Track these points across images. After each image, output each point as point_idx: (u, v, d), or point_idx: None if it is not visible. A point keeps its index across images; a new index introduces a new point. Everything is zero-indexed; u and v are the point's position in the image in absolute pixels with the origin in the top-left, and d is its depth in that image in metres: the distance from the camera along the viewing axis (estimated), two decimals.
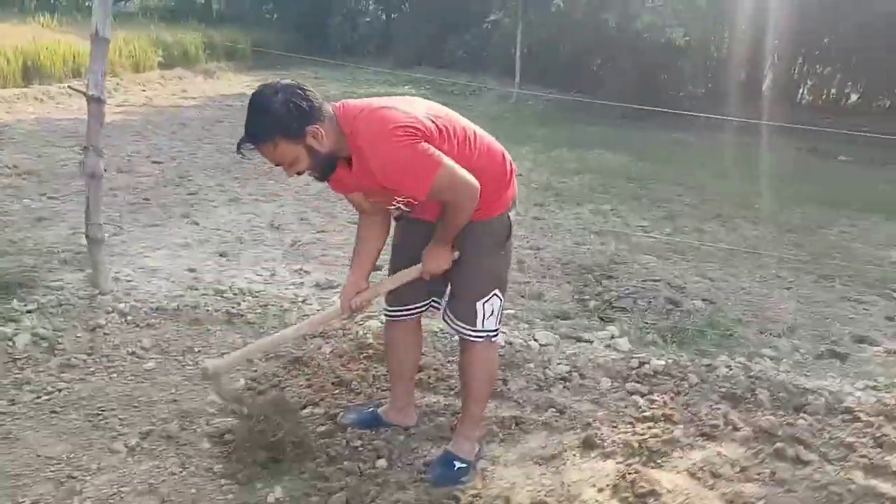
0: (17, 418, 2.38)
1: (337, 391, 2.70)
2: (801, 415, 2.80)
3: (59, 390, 2.57)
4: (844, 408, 2.87)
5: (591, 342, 3.32)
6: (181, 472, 2.19)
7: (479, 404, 2.35)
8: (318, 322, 2.40)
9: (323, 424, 2.46)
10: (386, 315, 2.40)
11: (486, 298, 2.17)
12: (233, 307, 3.31)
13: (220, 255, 4.15)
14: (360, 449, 2.32)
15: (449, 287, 2.25)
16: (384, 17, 23.15)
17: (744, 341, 3.54)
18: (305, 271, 4.01)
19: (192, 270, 3.82)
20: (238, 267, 3.98)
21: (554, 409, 2.70)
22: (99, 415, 2.44)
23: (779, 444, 2.56)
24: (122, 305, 3.21)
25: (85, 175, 3.19)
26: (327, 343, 3.11)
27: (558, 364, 3.02)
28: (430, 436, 2.46)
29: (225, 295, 3.46)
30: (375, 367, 2.89)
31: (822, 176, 8.73)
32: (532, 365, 3.01)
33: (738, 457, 2.48)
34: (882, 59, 15.10)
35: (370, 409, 2.52)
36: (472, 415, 2.33)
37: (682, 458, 2.47)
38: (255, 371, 2.82)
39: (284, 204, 5.38)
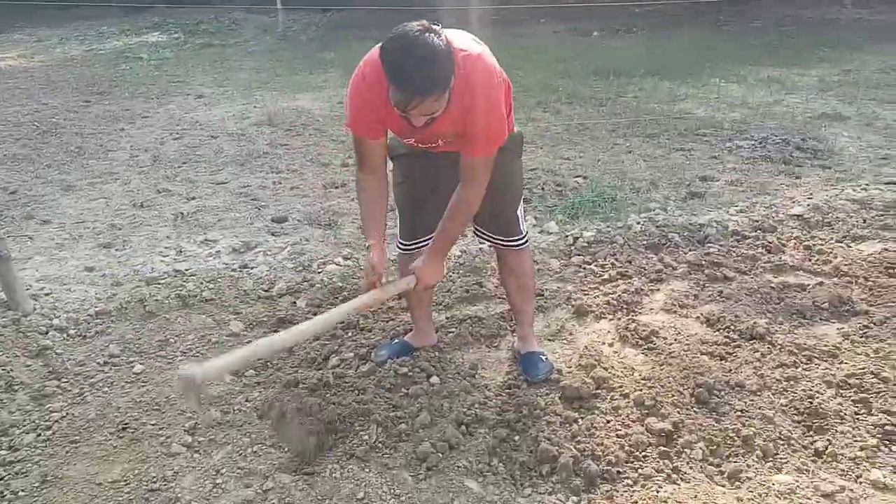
0: (40, 458, 2.15)
1: (349, 334, 2.77)
2: (707, 244, 3.45)
3: (58, 421, 2.33)
4: (731, 231, 3.58)
5: None
6: (256, 448, 2.18)
7: (533, 303, 2.61)
8: (346, 308, 2.09)
9: (362, 365, 2.54)
10: (402, 248, 2.49)
11: (519, 205, 2.37)
12: (180, 290, 3.11)
13: (106, 247, 3.77)
14: (410, 374, 2.46)
15: (481, 213, 2.25)
16: None
17: (628, 201, 4.13)
18: (211, 240, 3.81)
19: (90, 269, 3.46)
20: (136, 253, 3.66)
21: (535, 294, 3.03)
22: (127, 427, 2.29)
23: (707, 271, 3.17)
24: (56, 321, 2.87)
25: None
26: (298, 298, 3.10)
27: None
28: (456, 346, 2.67)
29: (160, 282, 3.22)
30: None
31: (589, 51, 9.74)
32: (493, 264, 3.28)
33: (687, 288, 3.04)
34: None
35: (397, 341, 2.64)
36: (530, 313, 2.58)
37: (650, 301, 2.97)
38: (249, 342, 2.75)
39: (128, 181, 4.90)
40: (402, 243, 2.49)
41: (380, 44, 1.83)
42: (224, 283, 3.20)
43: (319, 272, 3.31)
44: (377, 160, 2.14)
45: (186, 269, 3.37)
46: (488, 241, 2.46)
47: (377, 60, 1.83)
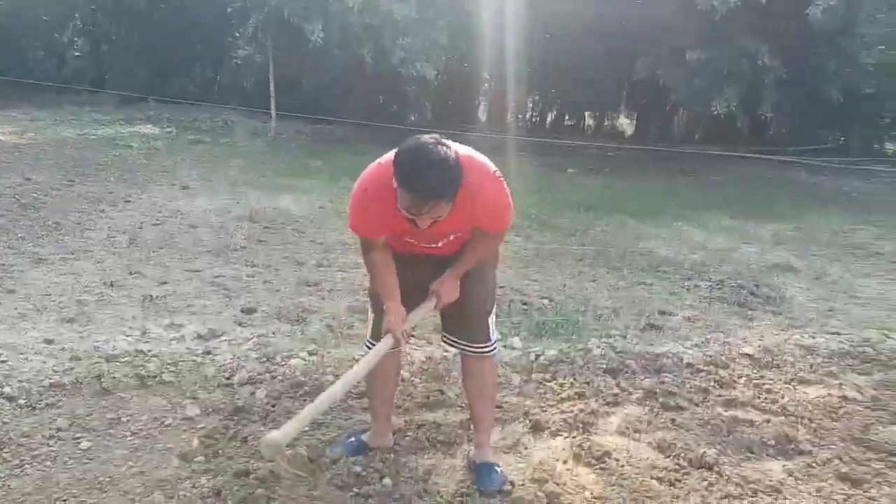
0: None
1: (306, 428, 2.75)
2: (663, 374, 3.56)
3: None
4: (686, 364, 3.70)
5: None
6: None
7: (493, 412, 2.68)
8: (373, 361, 2.21)
9: (312, 461, 2.52)
10: (371, 347, 2.50)
11: (491, 313, 2.48)
12: (139, 370, 3.10)
13: (69, 322, 3.75)
14: (363, 474, 2.45)
15: (452, 317, 2.46)
16: (92, 49, 20.80)
17: (590, 326, 4.27)
18: (177, 324, 3.83)
19: (49, 342, 3.43)
20: (100, 331, 3.65)
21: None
22: None
23: (661, 399, 3.26)
24: (7, 389, 2.82)
25: None
26: (258, 388, 3.10)
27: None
28: (412, 450, 2.68)
29: (120, 360, 3.21)
30: None
31: (563, 185, 10.28)
32: (455, 373, 3.34)
33: (641, 414, 3.11)
34: (572, 88, 18.19)
35: (353, 439, 2.64)
36: (489, 422, 2.63)
37: (605, 422, 3.02)
38: (203, 428, 2.73)
39: (101, 259, 4.93)
40: (371, 343, 2.52)
41: (379, 161, 2.13)
42: (185, 367, 3.19)
43: (283, 365, 3.33)
44: (381, 246, 2.31)
45: (149, 350, 3.37)
46: (455, 346, 2.54)
47: (380, 175, 2.10)
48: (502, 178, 2.21)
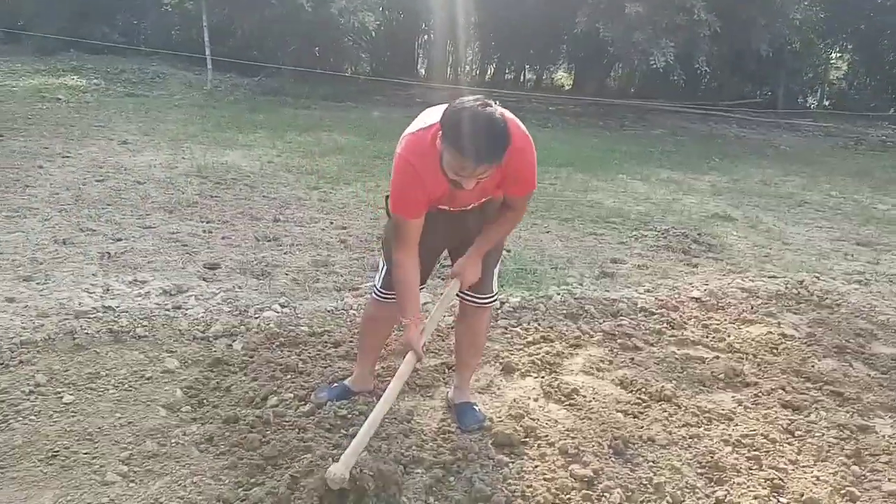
0: None
1: (288, 376, 2.83)
2: (619, 318, 3.78)
3: None
4: (640, 308, 3.93)
5: None
6: (197, 479, 2.19)
7: (479, 359, 2.84)
8: (405, 376, 2.25)
9: (302, 406, 2.61)
10: (380, 296, 2.54)
11: (499, 263, 2.58)
12: (111, 325, 3.08)
13: (26, 280, 3.65)
14: (349, 416, 2.55)
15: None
16: None
17: (548, 275, 4.45)
18: (140, 281, 3.78)
19: (11, 300, 3.35)
20: (61, 288, 3.57)
21: None
22: (57, 455, 2.23)
23: (620, 340, 3.48)
24: None
25: None
26: (234, 340, 3.13)
27: (447, 317, 3.50)
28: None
29: (89, 316, 3.17)
30: (301, 350, 3.06)
31: None
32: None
33: (603, 354, 3.32)
34: (511, 42, 18.20)
35: (336, 385, 2.73)
36: (473, 368, 2.77)
37: (570, 363, 3.21)
38: (184, 380, 2.77)
39: (48, 217, 4.76)
40: (382, 292, 2.53)
41: (410, 131, 2.18)
42: (158, 322, 3.19)
43: (256, 317, 3.36)
44: (416, 237, 2.26)
45: (117, 306, 3.34)
46: (458, 295, 2.57)
47: (418, 145, 2.13)
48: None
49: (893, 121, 16.10)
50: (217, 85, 13.23)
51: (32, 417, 2.44)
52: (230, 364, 2.92)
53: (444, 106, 2.12)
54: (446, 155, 2.03)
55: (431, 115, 2.18)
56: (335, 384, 2.75)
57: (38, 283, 3.62)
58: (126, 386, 2.70)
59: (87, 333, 3.00)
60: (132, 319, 3.18)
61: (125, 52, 15.02)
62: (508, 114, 2.14)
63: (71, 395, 2.59)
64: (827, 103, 18.80)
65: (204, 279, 3.90)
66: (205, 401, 2.65)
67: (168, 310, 3.36)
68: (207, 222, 4.99)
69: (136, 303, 3.44)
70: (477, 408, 2.68)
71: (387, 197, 2.31)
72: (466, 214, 2.40)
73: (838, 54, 19.12)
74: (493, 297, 2.62)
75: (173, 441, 2.38)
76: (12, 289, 3.51)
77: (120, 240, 4.44)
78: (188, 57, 14.01)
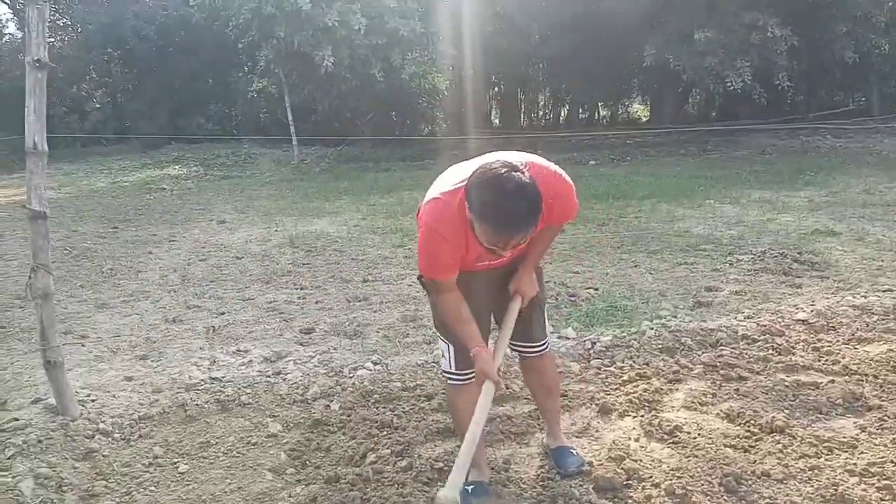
0: None
1: (384, 432, 2.88)
2: (720, 348, 3.61)
3: None
4: (741, 335, 3.75)
5: None
6: None
7: (558, 401, 2.80)
8: (488, 406, 2.12)
9: (399, 461, 2.64)
10: (457, 380, 2.39)
11: (544, 310, 2.56)
12: (218, 396, 3.25)
13: (142, 358, 3.92)
14: (446, 469, 2.54)
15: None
16: (110, 100, 21.17)
17: (640, 310, 4.33)
18: (243, 351, 3.98)
19: (129, 379, 3.60)
20: (172, 364, 3.81)
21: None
22: None
23: (722, 371, 3.32)
24: (102, 425, 2.98)
25: (35, 296, 2.93)
26: (331, 401, 3.22)
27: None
28: (488, 443, 2.77)
29: (198, 388, 3.36)
30: (395, 405, 3.12)
31: (588, 177, 10.31)
32: (516, 367, 3.42)
33: (705, 387, 3.17)
34: (582, 81, 18.27)
35: (470, 487, 2.42)
36: (557, 411, 2.74)
37: (670, 399, 3.09)
38: (287, 442, 2.86)
39: (159, 298, 5.12)
40: (457, 375, 2.38)
41: (434, 196, 2.08)
42: (260, 389, 3.34)
43: (350, 377, 3.45)
44: (454, 284, 2.18)
45: (222, 377, 3.52)
46: (514, 349, 2.54)
47: (443, 211, 2.04)
48: (562, 171, 2.20)
49: None
50: (303, 159, 13.98)
51: (152, 488, 2.59)
52: (329, 424, 3.00)
53: (469, 164, 2.09)
54: (479, 229, 1.93)
55: (455, 175, 2.11)
56: (468, 487, 2.40)
57: (152, 361, 3.88)
58: (234, 452, 2.82)
59: (196, 405, 3.17)
60: (237, 388, 3.34)
61: (220, 139, 16.19)
62: (537, 160, 2.13)
63: (185, 464, 2.73)
64: None
65: (301, 344, 4.06)
66: (308, 462, 2.73)
67: (269, 376, 3.51)
68: (301, 289, 5.21)
69: (239, 372, 3.61)
70: (574, 451, 2.62)
71: (420, 276, 2.31)
72: (509, 266, 2.33)
73: None
74: (545, 343, 2.55)
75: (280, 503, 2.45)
76: (130, 368, 3.78)
77: (223, 313, 4.70)
78: (276, 137, 14.92)
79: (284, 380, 3.45)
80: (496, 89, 22.08)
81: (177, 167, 13.63)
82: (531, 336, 2.51)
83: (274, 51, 12.68)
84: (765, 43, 11.52)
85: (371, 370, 3.53)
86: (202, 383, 3.44)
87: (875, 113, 15.63)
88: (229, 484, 2.59)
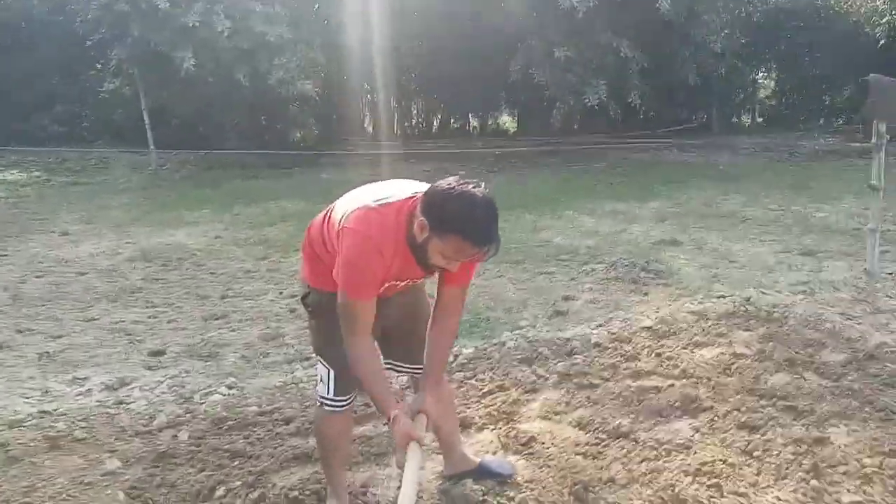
0: None
1: (235, 462, 2.73)
2: (574, 356, 3.77)
3: None
4: (593, 343, 3.93)
5: None
6: None
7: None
8: (417, 470, 2.01)
9: (251, 493, 2.51)
10: (333, 407, 2.31)
11: None
12: (47, 431, 2.95)
13: None
14: (301, 498, 2.47)
15: (404, 345, 2.37)
16: None
17: (501, 321, 4.44)
18: (81, 378, 3.66)
19: None
20: None
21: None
22: None
23: (576, 380, 3.46)
24: None
25: None
26: (179, 431, 3.02)
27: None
28: (346, 465, 2.71)
29: (24, 424, 3.03)
30: (250, 432, 2.97)
31: None
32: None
33: (559, 397, 3.30)
34: (453, 93, 18.68)
35: None
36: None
37: (527, 409, 3.18)
38: (127, 480, 2.65)
39: None
40: (337, 401, 2.30)
41: (366, 205, 2.01)
42: (97, 421, 3.07)
43: (202, 402, 3.26)
44: (371, 320, 2.08)
45: (54, 409, 3.20)
46: (410, 372, 2.47)
47: (379, 221, 1.98)
48: None
49: (824, 131, 16.77)
50: (162, 164, 13.18)
51: None
52: (176, 457, 2.81)
53: (381, 186, 2.10)
54: (445, 245, 1.92)
55: (376, 193, 2.08)
56: None
57: None
58: (64, 495, 2.56)
59: (20, 443, 2.86)
60: (70, 422, 3.05)
61: (68, 141, 14.89)
62: None
63: None
64: (760, 120, 19.58)
65: (149, 368, 3.79)
66: (149, 500, 2.54)
67: (109, 406, 3.24)
68: (153, 307, 4.89)
69: (75, 403, 3.31)
70: (496, 469, 2.61)
71: (304, 296, 2.26)
72: (399, 294, 2.27)
73: (764, 74, 20.00)
74: None
75: None
76: None
77: (60, 336, 4.30)
78: (132, 139, 13.96)
79: (127, 409, 3.20)
80: (369, 97, 22.02)
81: (14, 172, 12.40)
82: (418, 359, 2.37)
83: (127, 50, 11.86)
84: (618, 63, 12.30)
85: (225, 395, 3.36)
86: (29, 418, 3.11)
87: (714, 130, 17.14)
88: None
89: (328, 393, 2.29)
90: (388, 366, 2.44)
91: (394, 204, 2.03)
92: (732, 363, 3.59)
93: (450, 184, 1.94)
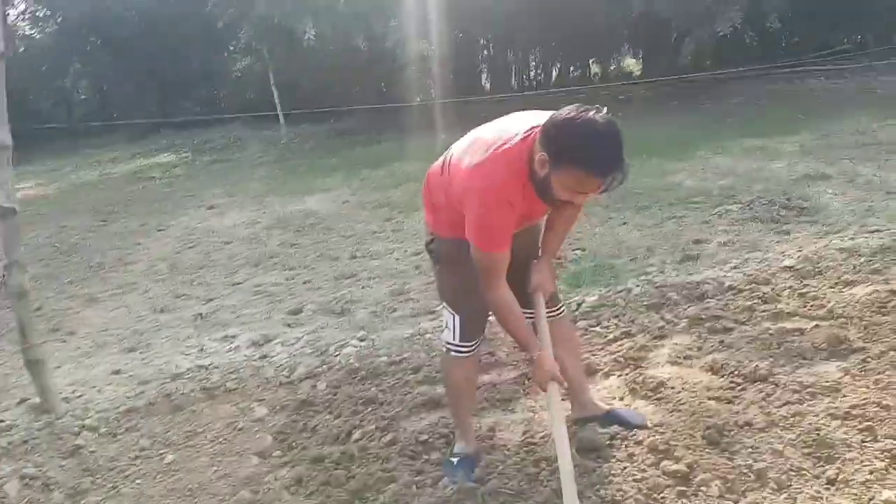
0: None
1: (369, 409, 2.88)
2: (706, 300, 3.59)
3: None
4: (727, 287, 3.72)
5: None
6: None
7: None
8: (563, 412, 2.17)
9: (384, 436, 2.64)
10: (459, 352, 2.33)
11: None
12: (204, 383, 3.25)
13: (130, 351, 3.94)
14: (430, 440, 2.56)
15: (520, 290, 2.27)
16: (96, 90, 20.85)
17: (627, 268, 4.30)
18: (231, 336, 3.98)
19: (117, 372, 3.61)
20: (159, 355, 3.82)
21: None
22: None
23: (708, 324, 3.29)
24: (87, 421, 3.00)
25: (10, 295, 2.92)
26: (318, 381, 3.22)
27: None
28: (473, 411, 2.76)
29: (184, 377, 3.37)
30: (381, 380, 3.12)
31: None
32: (502, 333, 3.40)
33: (690, 342, 3.15)
34: (571, 39, 18.01)
35: (456, 460, 2.40)
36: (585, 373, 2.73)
37: (655, 356, 3.07)
38: (273, 426, 2.86)
39: (147, 289, 5.13)
40: (465, 346, 2.32)
41: (487, 158, 1.96)
42: (246, 373, 3.34)
43: (337, 355, 3.45)
44: (506, 267, 2.08)
45: (209, 364, 3.52)
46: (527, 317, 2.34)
47: (500, 171, 1.95)
48: None
49: None
50: (292, 138, 13.84)
51: (139, 481, 2.60)
52: (315, 404, 3.01)
53: (496, 124, 2.07)
54: (566, 177, 1.86)
55: (489, 135, 2.05)
56: (453, 458, 2.40)
57: (140, 353, 3.89)
58: (221, 439, 2.83)
59: (182, 394, 3.18)
60: (223, 374, 3.34)
61: (208, 123, 16.01)
62: None
63: (172, 454, 2.74)
64: None
65: (288, 325, 4.05)
66: (293, 444, 2.74)
67: (255, 360, 3.51)
68: (289, 269, 5.20)
69: (226, 358, 3.62)
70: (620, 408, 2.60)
71: (428, 243, 2.29)
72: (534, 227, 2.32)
73: None
74: (562, 305, 2.56)
75: (266, 487, 2.46)
76: (118, 361, 3.78)
77: (211, 300, 4.69)
78: (264, 117, 14.75)
79: (270, 363, 3.45)
80: (485, 52, 21.75)
81: (165, 154, 13.54)
82: (555, 300, 2.47)
83: (254, 27, 12.46)
84: None
85: (357, 347, 3.53)
86: (188, 372, 3.44)
87: (870, 52, 15.35)
88: (215, 471, 2.60)
89: (454, 339, 2.31)
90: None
91: (513, 149, 1.98)
92: (889, 301, 3.25)
93: (568, 112, 1.86)
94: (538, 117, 2.03)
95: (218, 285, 5.00)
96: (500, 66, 22.41)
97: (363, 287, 4.59)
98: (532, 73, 23.61)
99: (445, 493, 2.22)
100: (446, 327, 2.34)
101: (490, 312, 2.24)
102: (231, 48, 16.78)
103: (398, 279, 4.66)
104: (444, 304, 2.34)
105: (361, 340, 3.61)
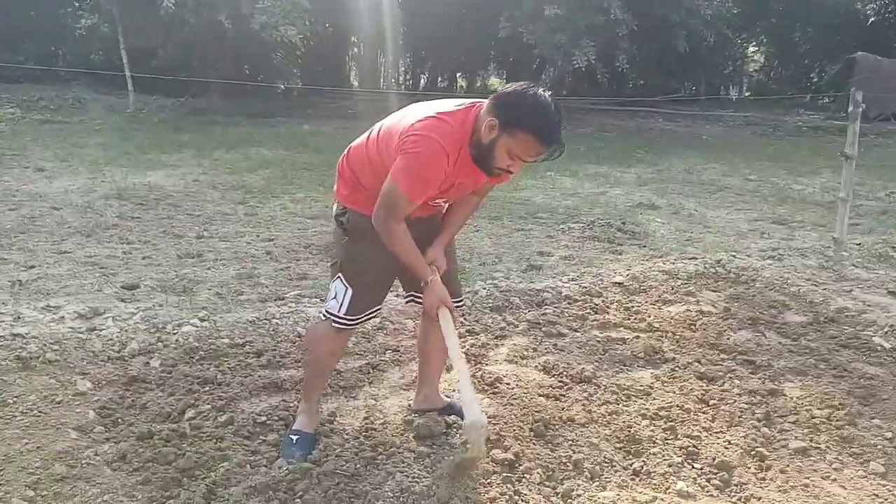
0: None
1: (205, 388, 2.78)
2: (544, 307, 3.85)
3: None
4: (564, 296, 4.01)
5: None
6: (108, 497, 2.12)
7: None
8: (454, 331, 2.34)
9: (220, 416, 2.56)
10: (345, 324, 2.35)
11: None
12: (19, 352, 2.96)
13: None
14: (268, 423, 2.52)
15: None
16: None
17: (476, 271, 4.50)
18: (54, 306, 3.64)
19: None
20: None
21: (391, 350, 3.23)
22: None
23: (544, 328, 3.54)
24: None
25: None
26: (151, 358, 3.05)
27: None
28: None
29: None
30: (221, 362, 3.02)
31: None
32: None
33: (527, 343, 3.37)
34: (441, 50, 18.44)
35: (295, 438, 2.40)
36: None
37: (495, 353, 3.25)
38: (98, 400, 2.68)
39: None
40: (346, 318, 2.34)
41: (435, 114, 2.08)
42: (70, 345, 3.08)
43: (174, 333, 3.28)
44: (408, 213, 2.19)
45: (27, 333, 3.20)
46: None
47: (448, 130, 2.06)
48: None
49: (809, 108, 16.89)
50: (141, 107, 12.93)
51: None
52: (147, 381, 2.84)
53: (444, 101, 2.17)
54: (515, 142, 2.02)
55: (435, 107, 2.15)
56: (293, 436, 2.40)
57: None
58: (35, 412, 2.59)
59: None
60: (42, 344, 3.06)
61: (43, 78, 14.51)
62: None
63: None
64: (748, 94, 19.64)
65: (122, 300, 3.79)
66: (119, 420, 2.57)
67: (82, 332, 3.25)
68: (127, 243, 4.87)
69: (47, 328, 3.31)
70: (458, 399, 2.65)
71: (340, 215, 2.31)
72: (434, 218, 2.38)
73: (754, 47, 20.00)
74: (463, 298, 2.67)
75: (84, 462, 2.29)
76: None
77: (33, 267, 4.27)
78: (110, 81, 13.64)
79: (99, 336, 3.21)
80: (356, 50, 21.65)
81: None
82: (458, 291, 2.57)
83: None
84: (608, 25, 12.20)
85: (198, 327, 3.38)
86: (1, 339, 3.11)
87: (702, 101, 17.16)
88: (26, 444, 2.37)
89: (339, 311, 2.33)
90: (410, 298, 2.55)
91: (458, 112, 2.12)
92: (697, 319, 3.68)
93: (521, 86, 2.08)
94: (473, 100, 2.18)
95: (42, 252, 4.56)
96: (369, 66, 22.44)
97: (209, 268, 4.40)
98: (401, 79, 23.83)
99: (280, 474, 2.20)
100: (334, 298, 2.34)
101: (379, 303, 2.41)
102: (76, 3, 15.35)
103: (247, 263, 4.53)
104: (340, 275, 2.35)
105: (203, 321, 3.46)
